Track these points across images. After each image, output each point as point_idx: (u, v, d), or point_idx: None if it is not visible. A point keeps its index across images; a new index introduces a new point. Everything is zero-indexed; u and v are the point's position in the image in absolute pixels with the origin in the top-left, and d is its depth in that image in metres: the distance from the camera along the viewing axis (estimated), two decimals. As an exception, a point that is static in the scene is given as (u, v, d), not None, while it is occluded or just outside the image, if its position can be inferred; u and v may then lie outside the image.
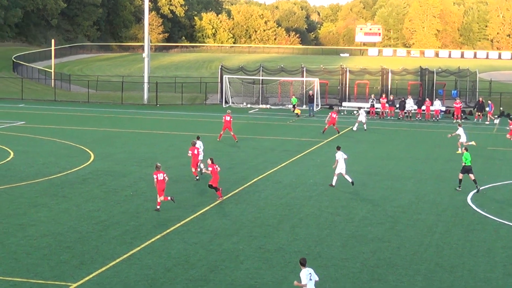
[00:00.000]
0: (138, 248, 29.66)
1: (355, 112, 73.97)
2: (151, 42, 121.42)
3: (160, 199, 35.99)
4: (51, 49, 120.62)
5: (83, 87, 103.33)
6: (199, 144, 44.05)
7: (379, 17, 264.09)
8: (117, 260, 28.00)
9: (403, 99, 79.06)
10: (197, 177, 42.98)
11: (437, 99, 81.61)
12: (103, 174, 44.31)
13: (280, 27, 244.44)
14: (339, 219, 35.30)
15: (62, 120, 67.53)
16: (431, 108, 77.06)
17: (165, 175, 36.35)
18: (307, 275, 22.90)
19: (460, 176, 41.57)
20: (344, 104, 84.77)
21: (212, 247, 30.17)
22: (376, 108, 79.01)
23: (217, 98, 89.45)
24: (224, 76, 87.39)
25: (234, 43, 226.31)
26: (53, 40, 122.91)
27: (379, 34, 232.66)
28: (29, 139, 56.35)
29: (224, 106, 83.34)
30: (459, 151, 51.02)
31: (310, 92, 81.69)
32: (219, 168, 38.37)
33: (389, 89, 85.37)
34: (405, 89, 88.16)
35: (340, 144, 44.87)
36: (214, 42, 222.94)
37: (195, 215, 35.19)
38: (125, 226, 33.01)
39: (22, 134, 59.17)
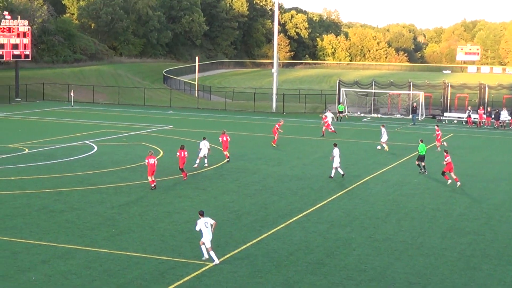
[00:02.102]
0: (265, 234, 29.83)
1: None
2: (279, 60, 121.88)
3: (150, 178, 38.10)
4: (195, 65, 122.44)
5: (222, 97, 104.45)
6: (203, 143, 45.07)
7: (478, 38, 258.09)
8: (247, 244, 28.23)
9: (498, 111, 77.30)
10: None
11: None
12: (237, 171, 44.70)
13: (390, 47, 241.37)
14: (440, 214, 34.73)
15: (203, 124, 68.40)
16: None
17: (155, 159, 38.60)
18: (204, 223, 25.82)
19: (417, 162, 45.55)
20: (445, 114, 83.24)
21: (329, 235, 30.10)
22: (474, 119, 77.56)
23: (335, 108, 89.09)
24: (341, 89, 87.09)
25: (350, 60, 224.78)
26: (197, 57, 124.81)
27: (478, 53, 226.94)
28: (175, 140, 57.28)
29: (340, 115, 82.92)
30: None
31: (414, 103, 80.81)
32: (186, 155, 41.17)
33: (486, 102, 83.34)
34: (500, 102, 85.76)
35: (441, 150, 44.05)
36: (333, 59, 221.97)
37: (314, 208, 35.18)
38: (255, 216, 33.24)
39: (170, 136, 60.23)
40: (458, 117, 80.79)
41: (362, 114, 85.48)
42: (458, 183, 41.35)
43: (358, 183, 41.81)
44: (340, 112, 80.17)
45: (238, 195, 37.77)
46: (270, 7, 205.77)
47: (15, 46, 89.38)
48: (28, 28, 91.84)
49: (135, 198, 36.24)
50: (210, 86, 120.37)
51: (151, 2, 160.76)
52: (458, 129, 72.02)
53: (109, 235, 29.25)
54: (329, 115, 66.43)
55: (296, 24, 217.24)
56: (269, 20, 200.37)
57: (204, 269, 25.08)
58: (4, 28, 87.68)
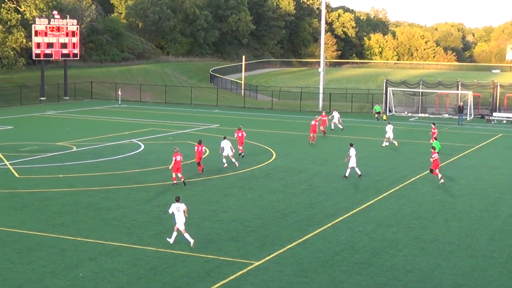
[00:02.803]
0: (311, 234, 29.77)
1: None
2: (326, 59, 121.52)
3: (178, 175, 38.84)
4: (241, 64, 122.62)
5: (268, 96, 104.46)
6: (225, 142, 45.13)
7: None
8: (293, 244, 28.20)
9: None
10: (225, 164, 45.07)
11: None
12: (283, 170, 44.69)
13: (438, 46, 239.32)
14: (487, 215, 34.33)
15: (249, 123, 68.47)
16: None
17: (181, 157, 39.27)
18: (177, 208, 27.87)
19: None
20: (494, 114, 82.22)
21: (375, 235, 29.94)
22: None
23: (382, 107, 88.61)
24: (388, 89, 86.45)
25: (397, 60, 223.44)
26: (243, 56, 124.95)
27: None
28: (221, 139, 57.41)
29: (387, 114, 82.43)
30: None
31: (461, 103, 79.94)
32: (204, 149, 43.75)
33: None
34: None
35: (489, 150, 43.59)
36: (380, 59, 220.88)
37: (360, 208, 35.02)
38: (301, 215, 33.20)
39: (216, 134, 60.37)
40: (508, 117, 79.78)
41: (409, 114, 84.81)
42: (441, 180, 41.41)
43: (405, 183, 41.50)
44: (377, 113, 79.60)
45: (284, 194, 37.75)
46: (317, 6, 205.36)
47: (64, 45, 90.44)
48: (77, 27, 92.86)
49: (181, 197, 36.31)
50: (256, 85, 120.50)
51: (198, 1, 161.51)
52: (507, 129, 71.04)
53: (155, 233, 29.44)
54: (335, 115, 67.08)
55: (343, 23, 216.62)
56: (316, 19, 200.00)
57: (249, 268, 25.12)
58: (54, 27, 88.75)
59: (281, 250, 27.31)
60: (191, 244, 27.29)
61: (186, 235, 27.60)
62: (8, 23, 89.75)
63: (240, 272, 24.66)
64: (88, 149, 51.50)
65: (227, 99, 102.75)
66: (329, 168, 45.90)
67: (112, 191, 37.39)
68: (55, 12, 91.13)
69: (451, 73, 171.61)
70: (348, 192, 38.70)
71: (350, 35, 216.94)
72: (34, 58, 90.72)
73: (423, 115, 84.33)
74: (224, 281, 23.81)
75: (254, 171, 44.07)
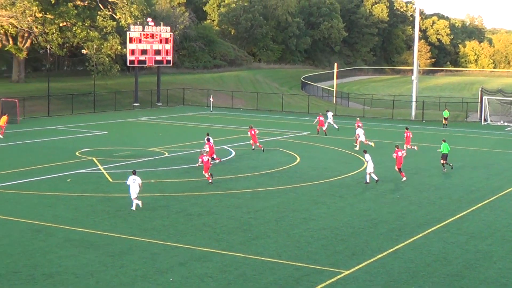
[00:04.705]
0: (402, 244, 29.46)
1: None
2: (419, 66, 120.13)
3: (207, 175, 40.92)
4: (333, 71, 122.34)
5: (360, 104, 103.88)
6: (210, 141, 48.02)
7: None
8: (384, 254, 27.96)
9: None
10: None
11: None
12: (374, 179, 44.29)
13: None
14: None
15: (340, 131, 68.09)
16: None
17: (209, 157, 42.15)
18: (132, 180, 34.09)
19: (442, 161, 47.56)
20: None
21: (468, 247, 29.41)
22: None
23: (476, 116, 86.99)
24: (483, 97, 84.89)
25: (494, 68, 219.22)
26: (335, 64, 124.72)
27: None
28: (312, 147, 57.43)
29: (482, 123, 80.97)
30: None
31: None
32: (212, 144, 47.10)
33: None
34: None
35: None
36: (476, 67, 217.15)
37: (453, 218, 34.47)
38: (392, 225, 32.89)
39: (306, 142, 60.40)
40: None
41: (505, 123, 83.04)
42: (404, 178, 43.67)
43: (500, 194, 40.64)
44: (446, 119, 77.92)
45: (375, 203, 37.46)
46: (411, 13, 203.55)
47: (158, 52, 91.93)
48: (170, 34, 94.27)
49: (271, 204, 36.55)
50: (348, 92, 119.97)
51: (290, 9, 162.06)
52: None
53: (245, 239, 29.61)
54: (329, 115, 69.47)
55: (438, 30, 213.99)
56: (410, 26, 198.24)
57: (339, 277, 25.01)
58: (148, 34, 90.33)
59: (371, 260, 27.11)
60: (140, 205, 34.22)
61: (135, 201, 34.18)
62: (104, 30, 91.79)
63: (329, 281, 24.58)
64: (180, 155, 52.19)
65: (318, 107, 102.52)
66: (421, 178, 45.32)
67: (203, 197, 37.78)
68: (149, 19, 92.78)
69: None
70: (440, 202, 38.14)
71: (444, 43, 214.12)
72: (128, 64, 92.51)
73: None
74: (313, 290, 23.80)
75: (345, 179, 43.88)
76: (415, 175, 46.41)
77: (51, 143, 57.42)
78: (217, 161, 47.22)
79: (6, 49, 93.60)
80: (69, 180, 41.61)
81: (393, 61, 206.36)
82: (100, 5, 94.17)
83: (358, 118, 65.06)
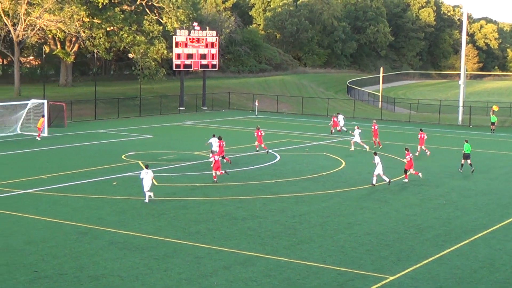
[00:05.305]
0: (448, 250, 29.19)
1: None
2: (466, 71, 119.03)
3: (217, 173, 42.73)
4: (379, 76, 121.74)
5: (405, 108, 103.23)
6: (214, 139, 49.88)
7: None
8: (429, 259, 27.73)
9: None
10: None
11: None
12: (420, 184, 44.00)
13: None
14: None
15: (386, 136, 67.78)
16: None
17: (218, 157, 44.26)
18: (146, 173, 36.58)
19: (462, 161, 48.54)
20: None
21: (516, 254, 29.04)
22: None
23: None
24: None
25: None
26: (381, 68, 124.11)
27: None
28: (358, 151, 57.18)
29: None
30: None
31: None
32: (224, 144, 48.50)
33: None
34: None
35: None
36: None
37: (501, 224, 34.07)
38: (437, 230, 32.61)
39: (352, 147, 60.13)
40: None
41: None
42: (420, 174, 44.86)
43: (548, 201, 40.07)
44: (493, 124, 76.68)
45: (420, 209, 37.18)
46: (458, 17, 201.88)
47: (203, 56, 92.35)
48: (216, 39, 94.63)
49: (316, 208, 36.48)
50: (394, 97, 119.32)
51: (336, 13, 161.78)
52: None
53: (290, 244, 29.58)
54: (340, 118, 72.75)
55: (486, 35, 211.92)
56: (457, 31, 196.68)
57: (383, 282, 24.86)
58: (193, 39, 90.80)
59: (417, 266, 26.90)
60: (152, 196, 36.60)
61: (148, 193, 36.45)
62: (150, 34, 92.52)
63: (374, 286, 24.43)
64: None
65: (364, 111, 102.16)
66: (468, 183, 44.88)
67: (247, 201, 37.84)
68: (195, 23, 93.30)
69: None
70: (487, 208, 37.72)
71: (492, 47, 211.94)
72: (174, 68, 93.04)
73: None
74: (357, 295, 23.69)
75: (391, 184, 43.58)
76: (461, 180, 45.97)
77: (98, 147, 57.99)
78: (225, 161, 48.53)
79: (54, 53, 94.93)
80: (115, 183, 41.98)
81: (439, 65, 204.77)
82: (146, 9, 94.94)
83: (375, 120, 64.95)
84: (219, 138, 48.84)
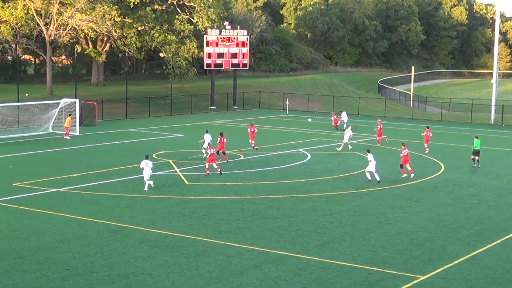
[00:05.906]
0: (480, 250, 28.97)
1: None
2: (499, 70, 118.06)
3: (214, 165, 44.18)
4: (410, 75, 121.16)
5: (437, 107, 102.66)
6: (207, 136, 51.41)
7: None
8: (461, 259, 27.55)
9: None
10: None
11: None
12: (452, 183, 43.75)
13: None
14: None
15: (417, 136, 67.37)
16: None
17: (214, 150, 45.56)
18: (146, 163, 39.26)
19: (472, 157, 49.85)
20: None
21: (549, 254, 28.74)
22: None
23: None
24: None
25: None
26: (413, 67, 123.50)
27: None
28: (389, 151, 56.91)
29: None
30: None
31: None
32: (225, 140, 49.52)
33: None
34: None
35: None
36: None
37: (533, 224, 33.75)
38: (469, 230, 32.38)
39: (382, 146, 59.85)
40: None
41: None
42: (412, 175, 44.63)
43: None
44: None
45: (452, 208, 36.94)
46: (491, 16, 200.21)
47: (234, 55, 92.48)
48: (247, 38, 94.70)
49: (347, 207, 36.38)
50: (425, 96, 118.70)
51: (367, 12, 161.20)
52: None
53: (320, 243, 29.53)
54: (343, 114, 75.00)
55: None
56: (490, 29, 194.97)
57: (414, 282, 24.73)
58: (224, 38, 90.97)
59: (448, 265, 26.73)
60: (151, 185, 39.20)
61: (147, 182, 39.04)
62: (181, 33, 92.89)
63: (405, 286, 24.31)
64: (255, 158, 52.36)
65: (395, 110, 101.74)
66: (501, 183, 44.50)
67: (278, 200, 37.84)
68: (226, 23, 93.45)
69: None
70: (520, 208, 37.40)
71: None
72: (205, 68, 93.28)
73: None
74: (388, 295, 23.59)
75: (422, 184, 43.38)
76: (494, 180, 45.61)
77: (129, 145, 58.27)
78: (225, 159, 49.83)
79: (85, 52, 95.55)
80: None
81: (472, 64, 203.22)
82: (178, 9, 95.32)
83: (379, 119, 64.70)
84: (221, 134, 49.94)
